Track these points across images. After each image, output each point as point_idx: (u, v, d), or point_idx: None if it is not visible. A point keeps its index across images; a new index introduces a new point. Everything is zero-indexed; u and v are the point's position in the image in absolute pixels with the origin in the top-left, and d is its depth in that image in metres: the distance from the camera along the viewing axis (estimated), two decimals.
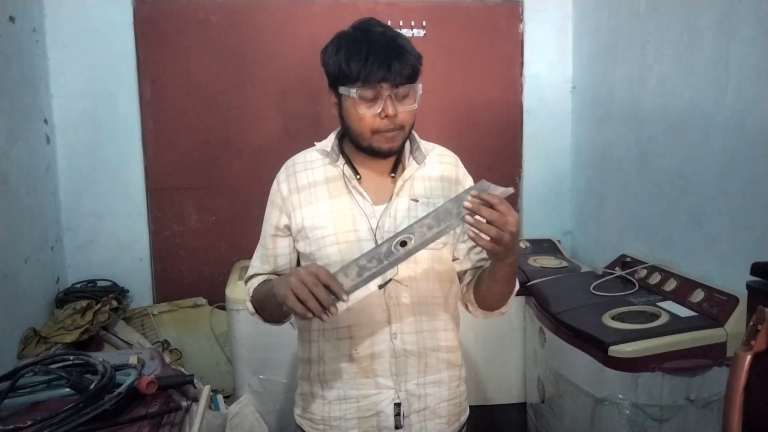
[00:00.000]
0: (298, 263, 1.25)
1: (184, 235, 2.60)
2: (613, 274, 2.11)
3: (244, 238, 2.57)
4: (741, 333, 1.05)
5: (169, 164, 2.56)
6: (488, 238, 0.96)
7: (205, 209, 2.59)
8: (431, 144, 1.27)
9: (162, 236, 2.59)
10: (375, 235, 1.14)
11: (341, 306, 1.10)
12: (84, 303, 2.19)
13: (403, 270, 1.14)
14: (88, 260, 2.52)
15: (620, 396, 1.59)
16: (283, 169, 1.25)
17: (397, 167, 1.21)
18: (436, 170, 1.23)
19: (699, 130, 1.84)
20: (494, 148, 2.77)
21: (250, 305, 1.24)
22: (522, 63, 2.76)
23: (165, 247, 2.60)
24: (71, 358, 1.19)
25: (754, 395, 0.99)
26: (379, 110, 1.08)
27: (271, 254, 1.24)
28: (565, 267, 2.44)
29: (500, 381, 2.34)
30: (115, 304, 2.29)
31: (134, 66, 2.49)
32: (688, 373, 1.57)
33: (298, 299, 0.94)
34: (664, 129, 2.02)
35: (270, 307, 1.16)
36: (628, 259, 2.15)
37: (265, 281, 1.22)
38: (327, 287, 0.94)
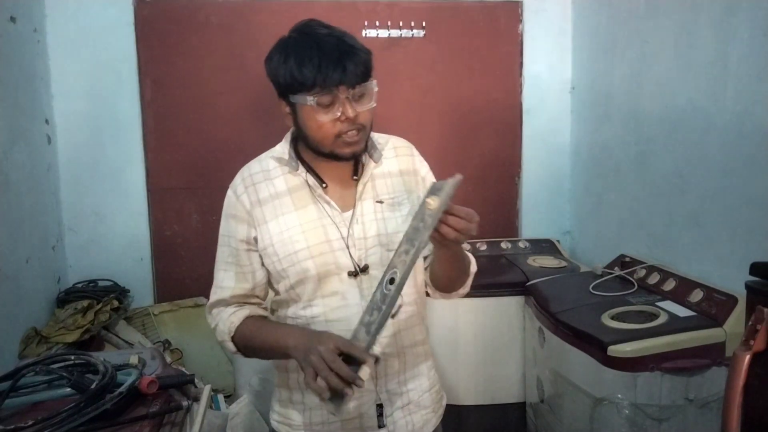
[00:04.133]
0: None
1: (185, 235, 2.60)
2: (612, 273, 2.11)
3: None
4: (740, 333, 1.06)
5: (170, 164, 2.56)
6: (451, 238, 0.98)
7: (205, 209, 2.60)
8: (385, 136, 1.25)
9: (163, 236, 2.59)
10: (347, 244, 1.12)
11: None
12: (85, 303, 2.20)
13: (379, 279, 1.11)
14: (89, 260, 2.52)
15: (619, 396, 1.59)
16: (238, 180, 1.18)
17: (357, 166, 1.18)
18: (394, 165, 1.21)
19: (698, 130, 1.84)
20: (494, 148, 2.78)
21: (230, 345, 1.15)
22: (521, 63, 2.76)
23: (166, 247, 2.60)
24: (72, 357, 1.19)
25: (753, 395, 0.99)
26: (338, 114, 1.04)
27: (248, 270, 1.17)
28: (565, 267, 2.44)
29: (499, 381, 2.35)
30: (116, 303, 2.29)
31: (135, 66, 2.50)
32: (687, 372, 1.57)
33: (320, 376, 0.93)
34: (664, 129, 2.03)
35: (271, 356, 1.14)
36: (627, 259, 2.16)
37: (260, 325, 1.14)
38: (348, 355, 0.93)
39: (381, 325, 0.95)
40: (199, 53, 2.53)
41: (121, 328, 2.33)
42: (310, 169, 1.15)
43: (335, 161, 1.12)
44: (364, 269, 1.13)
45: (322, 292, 1.13)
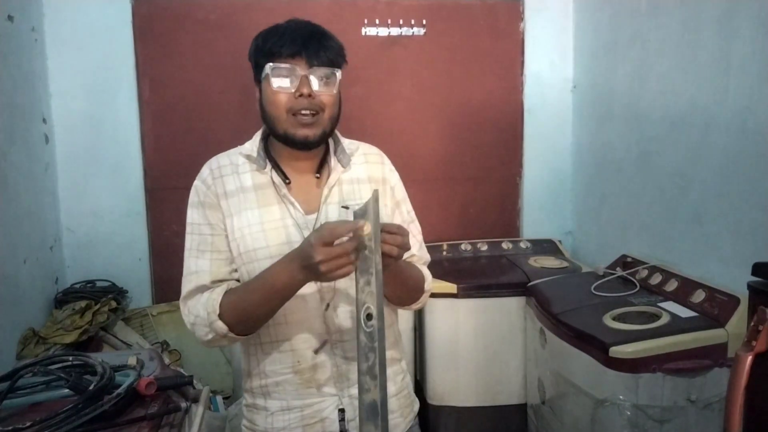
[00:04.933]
0: None
1: (184, 236, 2.59)
2: (614, 274, 2.11)
3: None
4: (742, 333, 1.05)
5: (168, 164, 2.55)
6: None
7: None
8: (356, 143, 1.23)
9: (161, 236, 2.58)
10: None
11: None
12: (83, 303, 2.19)
13: (340, 283, 1.09)
14: (87, 260, 2.51)
15: (621, 397, 1.58)
16: (206, 171, 1.17)
17: (322, 168, 1.16)
18: (363, 171, 1.19)
19: (700, 129, 1.83)
20: (495, 148, 2.77)
21: (220, 324, 1.04)
22: (523, 62, 2.75)
23: (164, 248, 2.59)
24: (70, 358, 1.18)
25: (755, 396, 0.99)
26: (294, 88, 1.05)
27: (227, 257, 1.12)
28: (566, 267, 2.43)
29: (501, 382, 2.34)
30: (114, 304, 2.29)
31: (133, 65, 2.49)
32: (689, 373, 1.56)
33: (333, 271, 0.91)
34: (665, 128, 2.02)
35: (269, 309, 1.05)
36: (629, 260, 2.15)
37: (242, 287, 1.08)
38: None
39: (383, 363, 0.93)
40: (197, 52, 2.53)
41: (119, 328, 2.33)
42: (276, 167, 1.14)
43: (293, 149, 1.11)
44: None
45: None
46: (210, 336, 1.07)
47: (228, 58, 2.55)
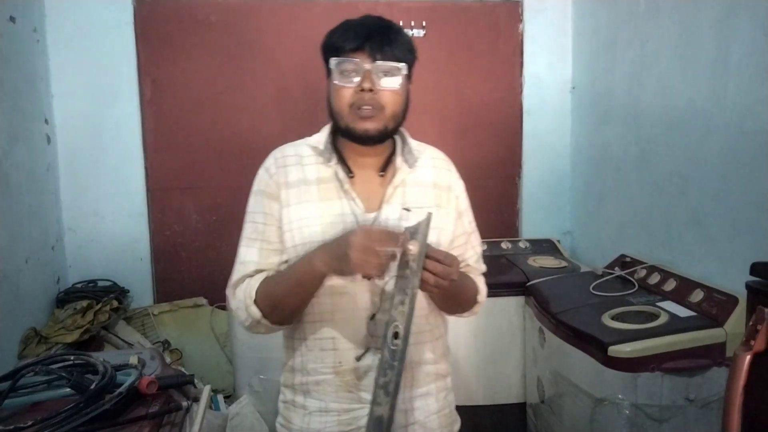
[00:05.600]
0: None
1: (185, 235, 2.60)
2: (612, 274, 2.11)
3: None
4: (740, 333, 1.06)
5: (169, 164, 2.56)
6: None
7: (205, 209, 2.59)
8: (423, 144, 1.23)
9: (162, 236, 2.59)
10: None
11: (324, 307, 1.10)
12: (84, 303, 2.20)
13: (392, 285, 1.08)
14: (88, 260, 2.52)
15: (620, 396, 1.59)
16: (271, 160, 1.17)
17: (387, 167, 1.16)
18: (429, 175, 1.18)
19: (699, 129, 1.84)
20: (494, 148, 2.78)
21: (255, 309, 1.07)
22: (522, 63, 2.76)
23: (165, 247, 2.60)
24: (72, 358, 1.19)
25: (754, 395, 0.99)
26: (356, 83, 1.05)
27: (276, 248, 1.12)
28: (565, 267, 2.44)
29: (500, 381, 2.34)
30: (115, 304, 2.29)
31: (135, 66, 2.50)
32: (687, 373, 1.57)
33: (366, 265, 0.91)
34: (664, 129, 2.03)
35: (303, 296, 1.06)
36: (628, 259, 2.15)
37: (278, 274, 1.10)
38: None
39: (398, 384, 0.92)
40: (198, 53, 2.53)
41: (120, 328, 2.33)
42: (341, 160, 1.13)
43: (357, 143, 1.10)
44: None
45: (332, 290, 1.09)
46: (248, 321, 1.09)
47: (229, 59, 2.56)
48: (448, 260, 0.96)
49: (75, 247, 2.52)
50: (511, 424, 2.36)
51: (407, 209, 1.12)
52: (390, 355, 0.93)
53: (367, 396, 1.09)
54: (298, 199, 1.11)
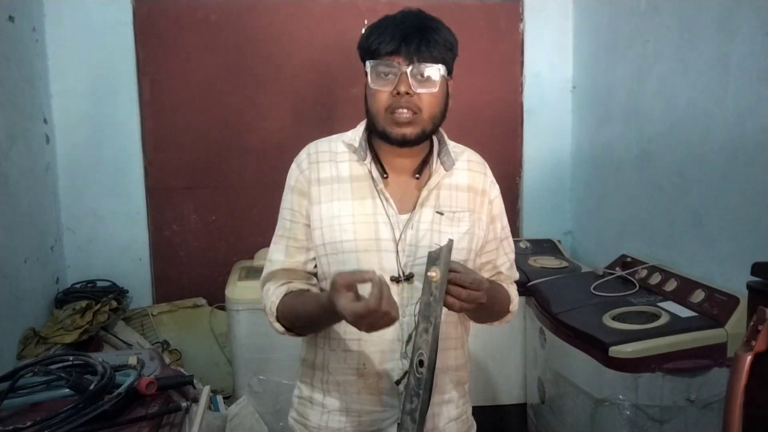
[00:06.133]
0: None
1: (184, 236, 2.60)
2: (613, 274, 2.11)
3: (244, 238, 2.58)
4: (741, 333, 1.05)
5: (168, 164, 2.56)
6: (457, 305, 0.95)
7: (205, 209, 2.59)
8: (461, 147, 1.21)
9: (162, 236, 2.59)
10: (397, 247, 1.06)
11: None
12: (83, 303, 2.19)
13: (420, 290, 1.05)
14: (87, 260, 2.52)
15: (620, 396, 1.58)
16: (303, 155, 1.14)
17: (423, 169, 1.13)
18: (464, 179, 1.15)
19: (699, 129, 1.84)
20: (494, 148, 2.77)
21: (278, 325, 1.09)
22: (522, 62, 2.76)
23: (165, 248, 2.60)
24: (71, 358, 1.18)
25: (755, 396, 0.99)
26: (393, 86, 1.02)
27: (302, 246, 1.11)
28: (566, 267, 2.44)
29: (501, 381, 2.34)
30: (114, 304, 2.29)
31: (134, 65, 2.49)
32: (688, 373, 1.56)
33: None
34: (665, 129, 2.02)
35: (320, 324, 1.06)
36: (629, 260, 2.15)
37: (298, 298, 1.08)
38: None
39: (424, 412, 0.91)
40: (197, 52, 2.53)
41: (119, 328, 2.33)
42: (376, 159, 1.11)
43: (393, 146, 1.08)
44: (409, 277, 1.06)
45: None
46: (274, 330, 1.11)
47: (229, 59, 2.56)
48: (474, 285, 0.94)
49: (74, 247, 2.51)
50: (511, 424, 2.36)
51: (440, 213, 1.10)
52: (416, 382, 0.92)
53: (390, 400, 1.08)
54: (330, 197, 1.09)
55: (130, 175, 2.53)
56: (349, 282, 0.86)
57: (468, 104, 2.72)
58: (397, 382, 1.07)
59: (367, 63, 1.05)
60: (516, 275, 1.27)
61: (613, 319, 1.73)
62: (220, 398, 2.20)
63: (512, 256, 1.25)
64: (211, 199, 2.60)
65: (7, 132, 2.05)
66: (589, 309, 1.85)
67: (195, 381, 1.30)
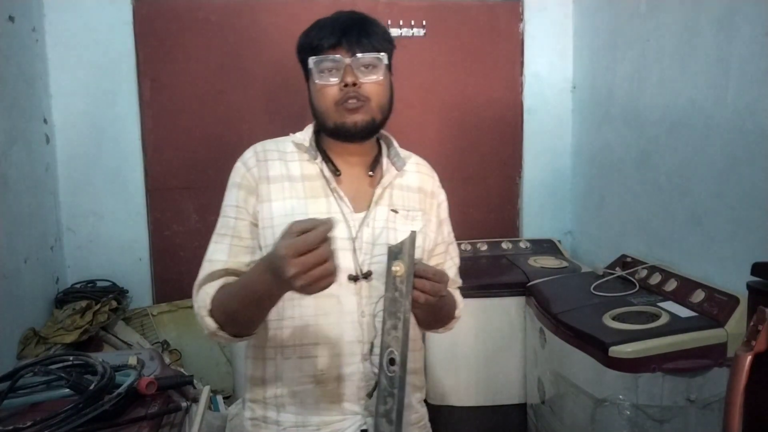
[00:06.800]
0: None
1: (184, 236, 2.60)
2: (613, 274, 2.11)
3: None
4: (741, 333, 1.05)
5: (168, 164, 2.56)
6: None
7: (205, 209, 2.59)
8: (408, 152, 1.20)
9: (162, 236, 2.59)
10: (354, 245, 1.05)
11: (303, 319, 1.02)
12: (83, 303, 2.19)
13: (379, 288, 1.03)
14: (87, 260, 2.52)
15: (620, 396, 1.58)
16: (250, 152, 1.11)
17: (374, 168, 1.13)
18: (414, 180, 1.16)
19: (700, 129, 1.84)
20: (494, 148, 2.77)
21: (210, 321, 0.98)
22: (522, 62, 2.75)
23: (165, 248, 2.60)
24: (71, 358, 1.18)
25: (755, 396, 0.99)
26: (338, 80, 1.03)
27: (248, 245, 1.05)
28: (566, 267, 2.44)
29: (500, 381, 2.34)
30: (114, 304, 2.29)
31: (134, 65, 2.49)
32: (688, 373, 1.56)
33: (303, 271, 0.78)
34: (665, 129, 2.02)
35: (255, 312, 0.96)
36: (629, 260, 2.15)
37: (231, 284, 1.01)
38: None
39: (400, 411, 0.90)
40: (197, 52, 2.53)
41: (119, 328, 2.33)
42: (327, 159, 1.10)
43: (345, 141, 1.08)
44: (366, 275, 1.05)
45: None
46: (206, 331, 1.00)
47: (229, 59, 2.55)
48: (437, 277, 0.94)
49: (74, 247, 2.51)
50: (511, 424, 2.36)
51: (395, 211, 1.10)
52: (388, 381, 0.91)
53: (351, 407, 1.04)
54: (282, 195, 1.06)
55: (130, 175, 2.53)
56: (302, 228, 0.79)
57: (468, 104, 2.72)
58: (369, 395, 1.03)
59: (310, 60, 1.05)
60: (460, 281, 1.26)
61: (613, 319, 1.74)
62: (220, 398, 2.20)
63: (458, 261, 1.26)
64: (211, 198, 2.58)
65: (7, 132, 2.05)
66: (589, 309, 1.85)
67: (195, 381, 1.30)
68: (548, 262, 2.50)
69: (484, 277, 2.42)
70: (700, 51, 1.82)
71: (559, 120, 2.79)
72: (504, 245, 2.71)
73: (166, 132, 2.54)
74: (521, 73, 2.76)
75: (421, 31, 2.64)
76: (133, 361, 1.26)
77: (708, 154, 1.80)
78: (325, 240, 0.78)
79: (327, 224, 0.79)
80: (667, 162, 2.02)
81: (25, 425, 0.97)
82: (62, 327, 2.10)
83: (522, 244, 2.73)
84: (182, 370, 1.84)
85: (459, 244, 2.85)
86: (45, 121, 2.38)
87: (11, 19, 2.13)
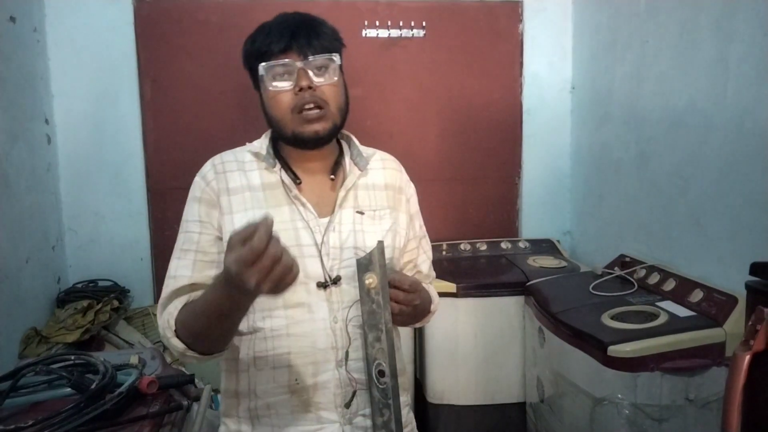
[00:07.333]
0: None
1: None
2: (612, 274, 2.11)
3: None
4: (740, 333, 1.06)
5: (170, 164, 2.56)
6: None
7: None
8: (371, 149, 1.18)
9: (163, 236, 2.59)
10: (320, 251, 1.02)
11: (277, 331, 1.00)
12: (85, 303, 2.20)
13: (350, 293, 1.02)
14: (89, 260, 2.52)
15: (619, 396, 1.59)
16: (208, 166, 1.10)
17: (336, 171, 1.11)
18: (380, 177, 1.13)
19: (698, 130, 1.84)
20: (494, 148, 2.78)
21: (176, 342, 0.95)
22: (521, 63, 2.76)
23: (166, 247, 2.58)
24: (72, 357, 1.19)
25: (753, 395, 0.99)
26: (292, 85, 1.00)
27: (212, 260, 1.04)
28: (565, 267, 2.44)
29: (499, 381, 2.34)
30: (116, 303, 2.29)
31: (135, 66, 2.50)
32: (687, 372, 1.57)
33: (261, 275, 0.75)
34: (664, 129, 2.03)
35: (217, 320, 0.91)
36: (628, 259, 2.16)
37: (193, 301, 0.98)
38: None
39: (399, 420, 0.90)
40: (199, 53, 2.53)
41: (121, 328, 2.33)
42: (286, 167, 1.08)
43: (305, 149, 1.05)
44: (336, 281, 1.02)
45: (285, 302, 1.00)
46: (174, 353, 0.98)
47: (230, 59, 2.55)
48: (412, 287, 0.94)
49: (75, 247, 2.52)
50: (510, 423, 2.36)
51: (360, 212, 1.07)
52: (381, 394, 0.91)
53: (328, 415, 1.02)
54: (243, 206, 1.04)
55: (132, 175, 2.54)
56: (243, 237, 0.75)
57: (467, 104, 2.72)
58: (347, 405, 1.01)
59: (260, 67, 1.02)
60: (434, 275, 1.26)
61: (612, 318, 1.74)
62: (221, 397, 2.20)
63: (431, 254, 1.24)
64: None
65: (9, 132, 2.06)
66: (587, 308, 1.86)
67: (196, 380, 1.31)
68: (547, 261, 2.50)
69: (484, 276, 2.43)
70: (699, 51, 1.82)
71: (559, 120, 2.79)
72: (503, 245, 2.71)
73: (167, 132, 2.55)
74: (520, 74, 2.77)
75: (421, 32, 2.64)
76: (134, 360, 1.27)
77: (707, 154, 1.80)
78: (271, 239, 0.75)
79: (265, 223, 0.75)
80: (666, 162, 2.02)
81: (27, 424, 0.97)
82: (64, 326, 2.11)
83: (521, 244, 2.73)
84: (183, 369, 1.85)
85: (458, 244, 2.86)
86: (46, 121, 2.39)
87: (12, 19, 2.14)
